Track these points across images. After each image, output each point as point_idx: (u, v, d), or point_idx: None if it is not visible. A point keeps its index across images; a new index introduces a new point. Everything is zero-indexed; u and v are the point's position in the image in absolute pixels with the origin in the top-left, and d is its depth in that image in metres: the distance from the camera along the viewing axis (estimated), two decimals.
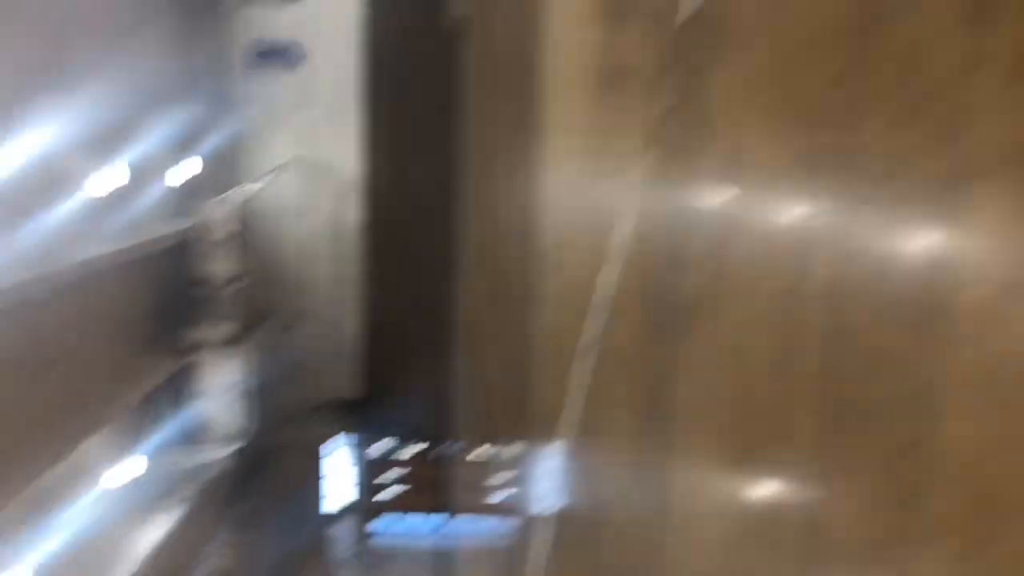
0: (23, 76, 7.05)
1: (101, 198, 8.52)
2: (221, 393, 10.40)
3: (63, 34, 7.86)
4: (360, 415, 12.13)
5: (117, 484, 8.85)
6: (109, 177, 8.43)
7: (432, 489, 11.24)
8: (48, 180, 7.75)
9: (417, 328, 10.39)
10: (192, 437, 10.44)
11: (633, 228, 1.13)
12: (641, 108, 1.06)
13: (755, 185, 0.81)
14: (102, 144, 8.57)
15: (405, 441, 12.02)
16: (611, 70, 1.27)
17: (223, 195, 10.79)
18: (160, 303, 10.10)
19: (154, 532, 9.02)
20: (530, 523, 3.04)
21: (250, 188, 11.30)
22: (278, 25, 11.58)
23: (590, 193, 1.50)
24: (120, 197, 8.91)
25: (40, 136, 7.15)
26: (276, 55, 11.52)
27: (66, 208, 7.97)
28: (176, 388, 10.28)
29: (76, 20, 8.11)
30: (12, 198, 7.03)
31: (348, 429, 12.24)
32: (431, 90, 9.40)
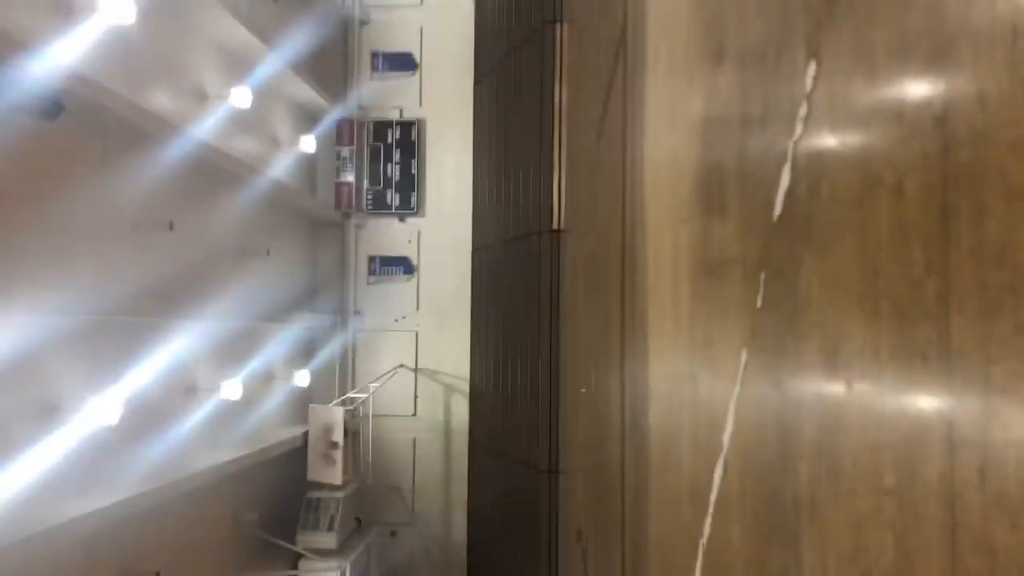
0: (170, 290, 7.78)
1: (228, 405, 8.99)
2: None
3: (214, 251, 8.76)
4: None
5: None
6: (236, 385, 8.90)
7: None
8: (183, 388, 8.32)
9: (518, 535, 10.05)
10: None
11: (739, 423, 1.12)
12: (741, 300, 1.09)
13: (853, 376, 0.80)
14: (233, 352, 9.19)
15: None
16: (711, 264, 1.33)
17: (336, 401, 11.21)
18: (272, 510, 10.27)
19: None
20: None
21: (361, 394, 11.67)
22: (396, 240, 12.50)
23: (695, 389, 1.51)
24: (245, 404, 9.38)
25: (180, 346, 7.73)
26: (393, 265, 12.36)
27: (198, 415, 8.45)
28: None
29: (225, 239, 9.04)
30: (157, 406, 7.56)
31: None
32: (531, 295, 9.76)
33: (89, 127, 6.57)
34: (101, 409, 6.38)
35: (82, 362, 6.51)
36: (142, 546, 7.34)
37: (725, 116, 1.45)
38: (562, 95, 9.35)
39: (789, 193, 1.07)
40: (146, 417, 7.42)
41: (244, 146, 9.87)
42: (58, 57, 5.88)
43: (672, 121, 1.95)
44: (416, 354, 12.29)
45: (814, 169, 0.97)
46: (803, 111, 1.00)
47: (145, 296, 7.14)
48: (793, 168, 1.04)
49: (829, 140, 0.94)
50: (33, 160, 5.94)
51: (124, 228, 7.15)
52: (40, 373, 6.07)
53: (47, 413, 6.18)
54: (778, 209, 1.12)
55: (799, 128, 1.02)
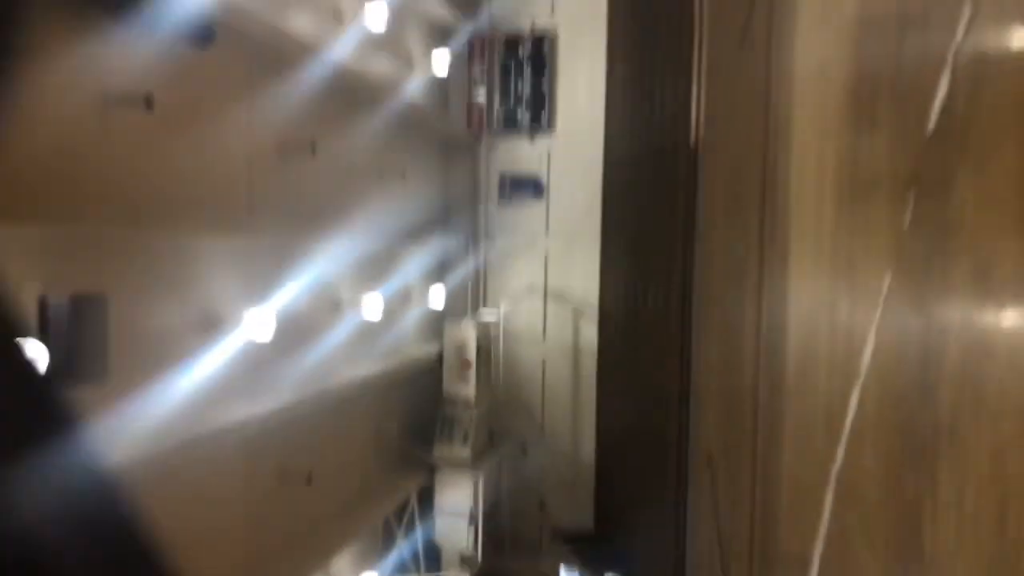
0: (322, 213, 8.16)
1: (368, 321, 9.43)
2: (457, 515, 10.65)
3: (353, 172, 9.08)
4: (590, 549, 11.87)
5: None
6: (377, 301, 9.31)
7: None
8: (329, 305, 8.80)
9: (648, 460, 10.14)
10: (426, 559, 10.72)
11: (879, 348, 1.06)
12: (887, 220, 1.02)
13: (1006, 300, 0.73)
14: (372, 271, 9.60)
15: None
16: (857, 182, 1.25)
17: (469, 319, 11.54)
18: (410, 421, 10.82)
19: None
20: None
21: (494, 313, 11.94)
22: (526, 159, 12.48)
23: (834, 312, 1.44)
24: (385, 321, 9.82)
25: (324, 265, 8.13)
26: (522, 187, 12.38)
27: (342, 331, 8.93)
28: (414, 508, 10.71)
29: (363, 161, 9.34)
30: (305, 321, 8.05)
31: (579, 564, 12.00)
32: (665, 214, 9.56)
33: (236, 53, 6.86)
34: (256, 323, 6.84)
35: (237, 280, 6.98)
36: (296, 450, 7.95)
37: (882, 18, 1.35)
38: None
39: (946, 103, 0.99)
40: (296, 331, 7.90)
41: (379, 67, 10.03)
42: None
43: (823, 24, 1.84)
44: (545, 276, 12.38)
45: (974, 77, 0.90)
46: (967, 12, 0.92)
47: (291, 217, 7.51)
48: (953, 75, 0.97)
49: (993, 45, 0.87)
50: (189, 86, 6.28)
51: (270, 151, 7.50)
52: (202, 290, 6.56)
53: (210, 326, 6.70)
54: (932, 122, 1.05)
55: (961, 32, 0.94)
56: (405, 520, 10.47)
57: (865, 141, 1.27)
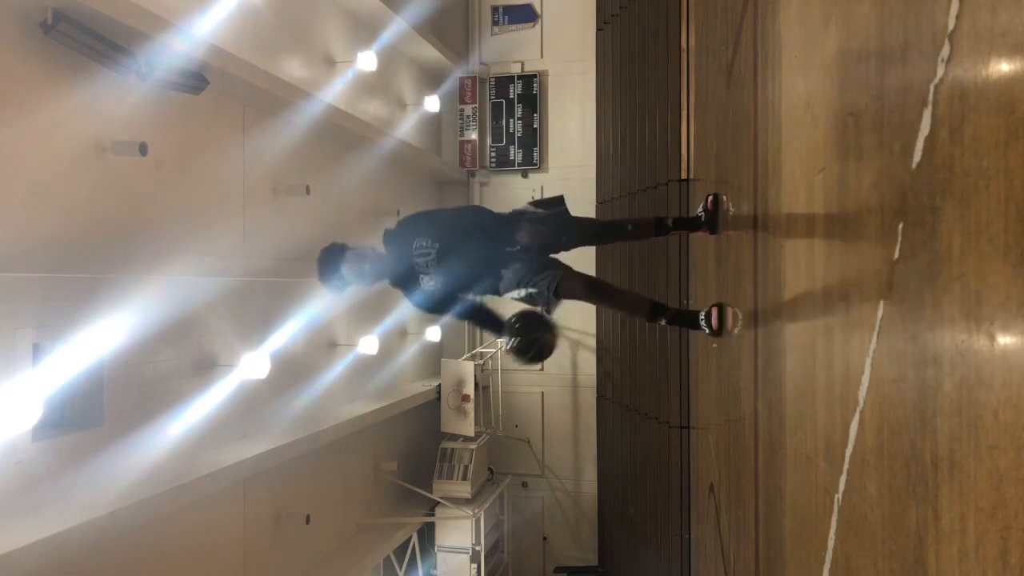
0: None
1: (365, 359, 9.42)
2: (458, 552, 10.56)
3: (348, 212, 9.13)
4: None
5: None
6: (373, 340, 9.30)
7: None
8: (325, 344, 8.79)
9: (649, 489, 10.08)
10: None
11: (876, 378, 1.08)
12: (878, 252, 1.04)
13: (998, 330, 0.75)
14: (368, 310, 9.60)
15: None
16: (847, 215, 1.28)
17: (466, 356, 11.53)
18: (409, 458, 10.75)
19: None
20: None
21: (490, 349, 11.93)
22: (520, 195, 12.53)
23: (830, 342, 1.47)
24: (381, 358, 9.80)
25: (320, 304, 8.13)
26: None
27: (338, 369, 8.91)
28: (415, 545, 10.59)
29: (357, 201, 9.40)
30: (301, 360, 8.04)
31: None
32: (659, 248, 9.62)
33: (229, 99, 6.94)
34: (252, 363, 6.84)
35: (233, 321, 6.98)
36: (294, 490, 7.89)
37: (863, 57, 1.39)
38: (690, 38, 9.04)
39: (930, 137, 1.02)
40: (292, 371, 7.89)
41: (372, 109, 10.15)
42: (199, 34, 6.22)
43: (806, 62, 1.88)
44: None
45: (956, 112, 0.92)
46: (945, 52, 0.95)
47: (286, 258, 7.55)
48: (935, 110, 1.00)
49: (973, 81, 0.89)
50: (182, 133, 6.35)
51: (266, 193, 7.55)
52: (198, 332, 6.56)
53: (206, 367, 6.69)
54: (918, 155, 1.07)
55: (941, 68, 0.97)
56: (407, 558, 10.37)
57: (852, 175, 1.31)
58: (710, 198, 4.00)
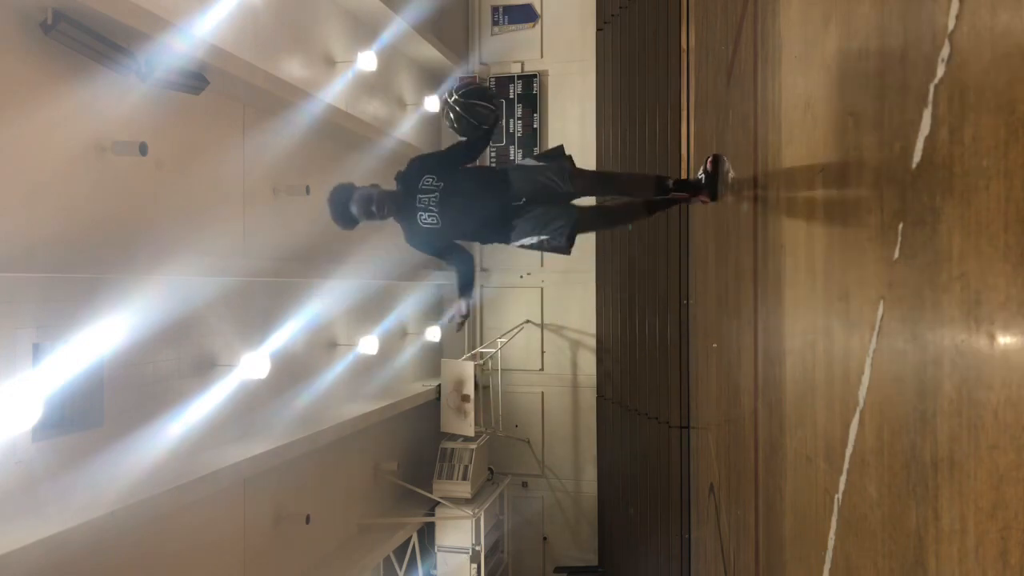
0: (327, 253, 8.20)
1: (365, 359, 9.42)
2: (458, 552, 10.56)
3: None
4: None
5: None
6: (373, 340, 9.30)
7: None
8: (325, 344, 8.79)
9: (649, 489, 10.08)
10: None
11: (876, 378, 1.08)
12: (878, 252, 1.04)
13: (998, 330, 0.75)
14: (369, 310, 9.60)
15: None
16: (847, 216, 1.27)
17: (465, 356, 11.52)
18: (409, 458, 10.75)
19: None
20: None
21: (490, 349, 11.92)
22: None
23: (830, 342, 1.46)
24: (381, 358, 9.80)
25: (320, 304, 8.13)
26: None
27: (339, 369, 8.92)
28: (415, 546, 10.59)
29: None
30: (301, 360, 8.05)
31: None
32: (659, 248, 9.62)
33: (229, 99, 6.94)
34: (252, 364, 6.84)
35: (233, 321, 6.98)
36: (294, 490, 7.89)
37: (863, 57, 1.38)
38: (690, 38, 9.03)
39: (929, 137, 1.02)
40: (292, 370, 7.89)
41: (372, 109, 10.15)
42: (199, 34, 6.22)
43: (806, 62, 1.88)
44: (542, 310, 12.41)
45: (956, 112, 0.92)
46: (945, 52, 0.95)
47: (286, 258, 7.54)
48: (934, 110, 1.00)
49: (972, 81, 0.89)
50: (182, 133, 6.35)
51: (266, 193, 7.55)
52: (198, 331, 6.56)
53: (206, 367, 6.69)
54: (917, 155, 1.07)
55: (940, 69, 0.97)
56: (407, 558, 10.36)
57: (852, 175, 1.31)
58: (710, 159, 4.02)
